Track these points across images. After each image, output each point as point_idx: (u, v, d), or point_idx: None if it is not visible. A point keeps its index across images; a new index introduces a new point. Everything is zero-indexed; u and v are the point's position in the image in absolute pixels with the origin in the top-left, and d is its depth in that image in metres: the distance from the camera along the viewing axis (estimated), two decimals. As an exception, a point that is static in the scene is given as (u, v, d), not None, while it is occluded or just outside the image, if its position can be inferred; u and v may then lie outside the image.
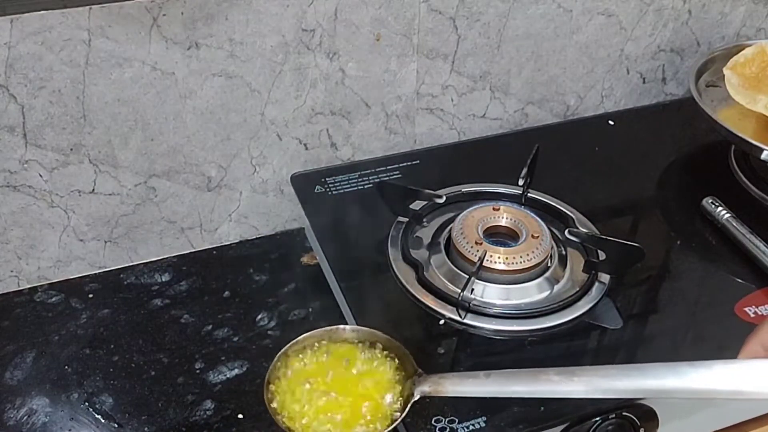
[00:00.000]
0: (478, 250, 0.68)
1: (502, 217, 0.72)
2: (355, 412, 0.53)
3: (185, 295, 0.79)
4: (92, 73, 0.70)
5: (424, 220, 0.76)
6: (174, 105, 0.75)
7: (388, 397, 0.54)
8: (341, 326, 0.59)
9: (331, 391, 0.54)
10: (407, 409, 0.53)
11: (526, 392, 0.51)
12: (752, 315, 0.67)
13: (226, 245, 0.86)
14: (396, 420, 0.53)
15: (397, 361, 0.57)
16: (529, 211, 0.73)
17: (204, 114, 0.76)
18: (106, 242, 0.81)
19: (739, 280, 0.71)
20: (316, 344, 0.58)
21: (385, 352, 0.58)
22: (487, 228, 0.72)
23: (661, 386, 0.45)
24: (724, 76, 0.82)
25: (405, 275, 0.70)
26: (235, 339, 0.74)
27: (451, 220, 0.75)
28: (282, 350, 0.57)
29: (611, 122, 0.94)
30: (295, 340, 0.58)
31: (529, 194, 0.78)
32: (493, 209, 0.73)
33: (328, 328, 0.59)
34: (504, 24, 0.85)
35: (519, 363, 0.63)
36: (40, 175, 0.74)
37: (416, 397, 0.54)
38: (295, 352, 0.58)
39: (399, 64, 0.82)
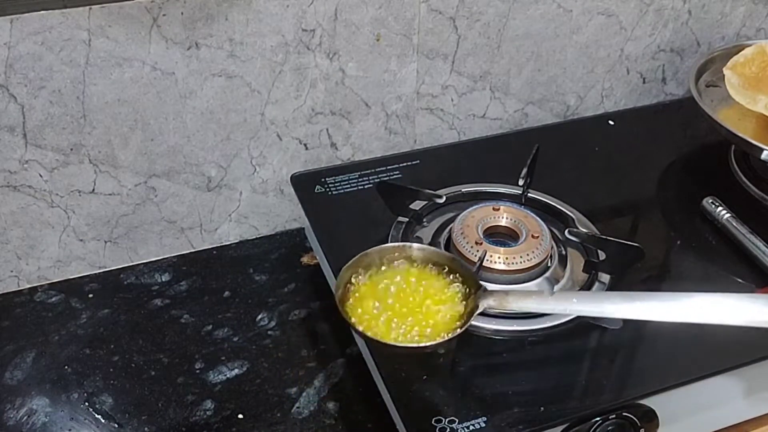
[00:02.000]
0: (478, 250, 0.68)
1: (502, 217, 0.72)
2: (422, 322, 0.56)
3: (185, 295, 0.79)
4: (92, 73, 0.70)
5: (424, 220, 0.76)
6: (174, 105, 0.75)
7: (453, 309, 0.57)
8: (408, 244, 0.61)
9: (397, 304, 0.57)
10: (471, 319, 0.56)
11: (584, 311, 0.56)
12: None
13: (226, 245, 0.86)
14: (460, 328, 0.55)
15: (460, 279, 0.59)
16: (529, 211, 0.73)
17: (204, 114, 0.76)
18: (106, 242, 0.81)
19: (739, 280, 0.71)
20: (384, 260, 0.60)
21: (446, 270, 0.60)
22: (487, 228, 0.71)
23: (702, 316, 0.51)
24: (724, 76, 0.82)
25: (405, 275, 0.70)
26: (235, 339, 0.74)
27: (451, 220, 0.75)
28: (348, 263, 0.59)
29: (611, 122, 0.94)
30: (364, 252, 0.60)
31: (529, 194, 0.78)
32: (493, 209, 0.73)
33: (396, 244, 0.61)
34: (504, 24, 0.85)
35: (519, 363, 0.64)
36: (40, 175, 0.74)
37: (480, 309, 0.56)
38: (365, 267, 0.59)
39: (399, 64, 0.82)
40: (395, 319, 0.56)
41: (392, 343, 0.54)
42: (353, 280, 0.59)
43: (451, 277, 0.60)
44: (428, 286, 0.59)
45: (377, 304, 0.57)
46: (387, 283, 0.59)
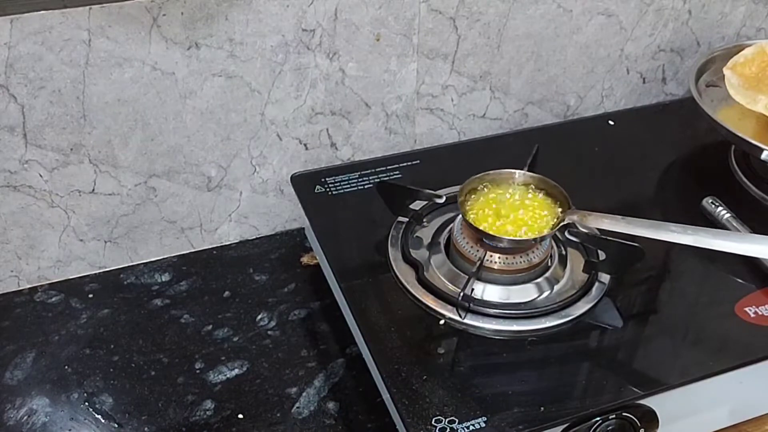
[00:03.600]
0: (478, 250, 0.68)
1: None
2: (521, 226, 0.68)
3: (185, 295, 0.79)
4: (92, 73, 0.70)
5: (424, 220, 0.76)
6: (174, 105, 0.75)
7: (549, 216, 0.70)
8: (511, 170, 0.73)
9: (501, 209, 0.70)
10: (558, 227, 0.68)
11: (648, 234, 0.64)
12: (752, 315, 0.67)
13: (226, 245, 0.86)
14: (550, 230, 0.68)
15: (557, 201, 0.71)
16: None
17: (204, 114, 0.76)
18: (106, 242, 0.81)
19: (739, 280, 0.71)
20: (498, 179, 0.73)
21: (543, 191, 0.72)
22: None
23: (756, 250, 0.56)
24: (724, 76, 0.82)
25: (405, 275, 0.70)
26: (235, 339, 0.74)
27: (451, 220, 0.75)
28: (473, 177, 0.72)
29: (611, 122, 0.94)
30: (485, 173, 0.73)
31: (529, 194, 0.78)
32: None
33: (501, 171, 0.73)
34: (504, 24, 0.85)
35: (519, 363, 0.64)
36: (40, 175, 0.74)
37: (566, 221, 0.68)
38: (469, 193, 0.72)
39: (399, 64, 0.82)
40: (500, 222, 0.69)
41: (499, 235, 0.67)
42: (477, 189, 0.72)
43: (549, 198, 0.72)
44: (531, 200, 0.72)
45: (488, 210, 0.70)
46: (499, 194, 0.72)
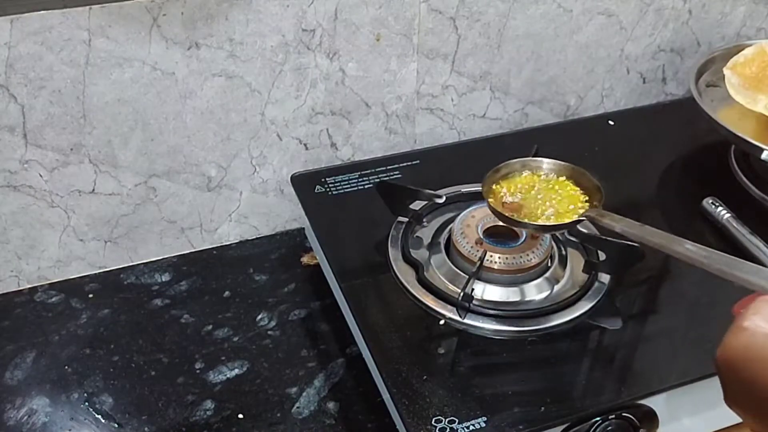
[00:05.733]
0: (478, 250, 0.68)
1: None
2: (545, 213, 0.68)
3: (185, 295, 0.79)
4: (92, 73, 0.70)
5: (424, 220, 0.76)
6: (174, 105, 0.75)
7: (573, 207, 0.68)
8: (540, 158, 0.72)
9: (527, 198, 0.70)
10: (573, 219, 0.66)
11: (658, 245, 0.61)
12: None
13: (226, 245, 0.86)
14: (566, 222, 0.66)
15: (585, 194, 0.69)
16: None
17: (204, 114, 0.76)
18: (106, 242, 0.81)
19: (739, 280, 0.71)
20: (517, 172, 0.72)
21: (571, 181, 0.70)
22: (487, 228, 0.71)
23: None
24: (724, 76, 0.82)
25: (405, 275, 0.70)
26: (235, 339, 0.74)
27: (451, 220, 0.75)
28: (488, 174, 0.71)
29: (611, 122, 0.94)
30: (504, 164, 0.72)
31: (529, 194, 0.78)
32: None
33: (533, 158, 0.72)
34: (504, 24, 0.85)
35: (519, 363, 0.64)
36: (40, 175, 0.74)
37: (582, 218, 0.66)
38: (501, 176, 0.71)
39: (399, 64, 0.82)
40: (526, 210, 0.68)
41: (524, 221, 0.66)
42: (501, 181, 0.71)
43: (576, 186, 0.70)
44: (557, 189, 0.70)
45: (515, 196, 0.70)
46: (524, 183, 0.71)
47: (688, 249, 0.59)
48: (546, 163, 0.72)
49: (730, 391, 0.48)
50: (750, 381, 0.45)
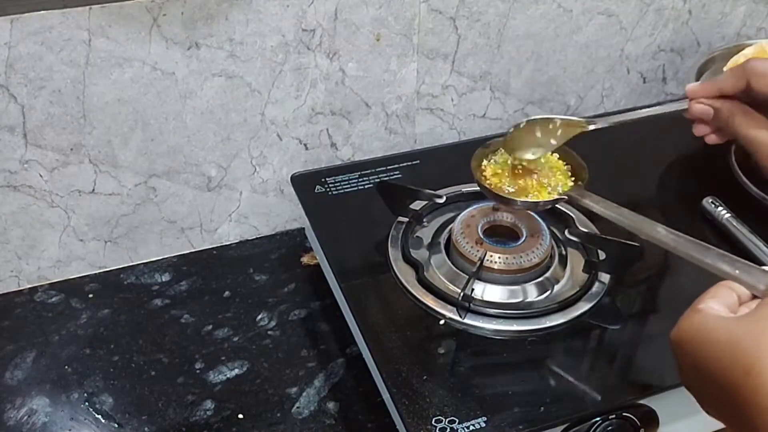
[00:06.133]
0: (478, 250, 0.68)
1: (502, 217, 0.72)
2: (526, 188, 0.68)
3: (185, 295, 0.79)
4: (92, 73, 0.70)
5: (424, 220, 0.76)
6: (174, 105, 0.75)
7: (552, 185, 0.68)
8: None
9: (508, 175, 0.69)
10: (556, 198, 0.67)
11: (633, 228, 0.61)
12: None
13: (226, 245, 0.86)
14: (547, 200, 0.67)
15: (570, 170, 0.70)
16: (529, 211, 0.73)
17: (204, 114, 0.76)
18: (106, 242, 0.81)
19: (739, 280, 0.71)
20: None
21: (561, 161, 0.70)
22: (488, 228, 0.71)
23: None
24: (724, 76, 0.82)
25: (405, 275, 0.70)
26: (235, 339, 0.74)
27: (451, 220, 0.75)
28: (477, 152, 0.71)
29: (611, 122, 0.94)
30: (494, 140, 0.72)
31: (529, 194, 0.78)
32: (493, 209, 0.73)
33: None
34: (504, 24, 0.85)
35: (519, 363, 0.64)
36: (40, 175, 0.74)
37: (565, 197, 0.67)
38: (491, 152, 0.71)
39: (399, 64, 0.82)
40: (512, 187, 0.68)
41: (509, 197, 0.67)
42: (485, 161, 0.71)
43: (564, 163, 0.71)
44: (544, 165, 0.70)
45: (504, 174, 0.69)
46: (511, 160, 0.70)
47: (659, 233, 0.60)
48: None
49: (684, 373, 0.49)
50: (699, 361, 0.46)
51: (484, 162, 0.70)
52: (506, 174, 0.69)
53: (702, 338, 0.46)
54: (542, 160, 0.70)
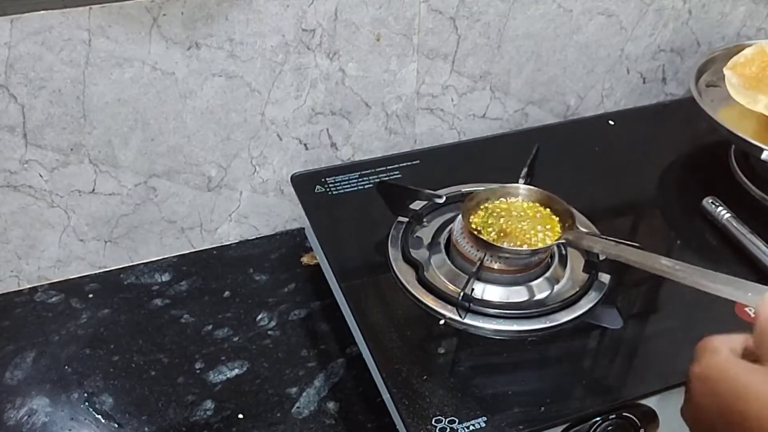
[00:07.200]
0: (478, 251, 0.68)
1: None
2: (517, 236, 0.69)
3: (185, 295, 0.79)
4: (92, 73, 0.70)
5: (424, 220, 0.76)
6: (174, 105, 0.75)
7: (542, 233, 0.69)
8: (515, 185, 0.74)
9: (505, 225, 0.70)
10: (551, 244, 0.68)
11: (638, 264, 0.63)
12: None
13: (226, 245, 0.86)
14: (542, 246, 0.68)
15: (557, 217, 0.71)
16: (529, 211, 0.73)
17: (204, 114, 0.76)
18: (106, 242, 0.81)
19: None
20: (490, 199, 0.73)
21: (547, 210, 0.72)
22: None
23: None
24: (724, 76, 0.82)
25: (405, 275, 0.70)
26: (235, 339, 0.74)
27: (451, 220, 0.75)
28: (463, 206, 0.71)
29: (611, 122, 0.94)
30: (476, 192, 0.73)
31: (529, 194, 0.78)
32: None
33: (503, 185, 0.74)
34: (504, 24, 0.85)
35: (519, 363, 0.64)
36: (41, 175, 0.74)
37: (562, 240, 0.69)
38: (475, 206, 0.72)
39: (399, 64, 0.82)
40: (503, 235, 0.69)
41: (501, 245, 0.67)
42: (483, 205, 0.72)
43: (549, 211, 0.72)
44: (532, 216, 0.72)
45: (492, 221, 0.71)
46: (501, 210, 0.72)
47: (664, 264, 0.61)
48: (513, 188, 0.74)
49: (696, 408, 0.49)
50: (723, 404, 0.46)
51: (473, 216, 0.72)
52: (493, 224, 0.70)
53: (732, 383, 0.46)
54: (528, 212, 0.72)
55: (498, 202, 0.73)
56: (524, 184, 0.75)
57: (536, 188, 0.73)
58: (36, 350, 0.73)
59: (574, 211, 0.72)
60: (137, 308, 0.78)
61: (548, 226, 0.70)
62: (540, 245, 0.68)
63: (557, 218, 0.71)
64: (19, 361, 0.72)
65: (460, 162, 0.86)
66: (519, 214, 0.71)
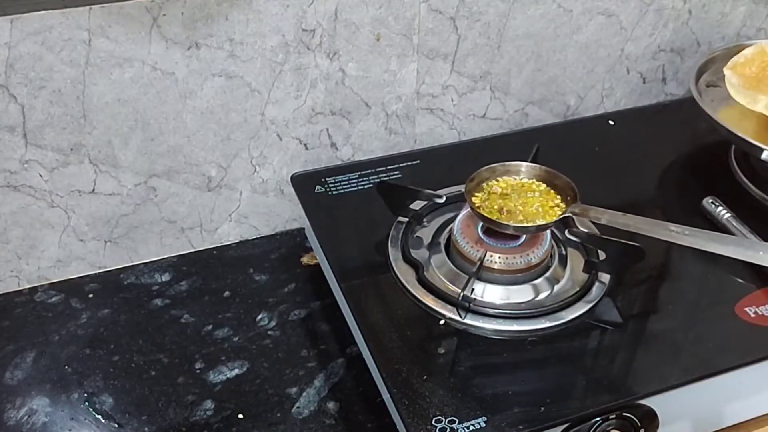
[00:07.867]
0: (478, 250, 0.68)
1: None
2: (521, 213, 0.69)
3: (185, 295, 0.79)
4: (92, 73, 0.70)
5: (424, 220, 0.76)
6: (174, 105, 0.75)
7: (551, 209, 0.70)
8: (519, 162, 0.74)
9: (509, 201, 0.71)
10: (557, 218, 0.69)
11: (646, 231, 0.64)
12: (752, 315, 0.67)
13: (226, 245, 0.86)
14: (549, 222, 0.69)
15: (564, 193, 0.71)
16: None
17: (204, 114, 0.76)
18: (106, 242, 0.81)
19: (739, 280, 0.71)
20: (490, 178, 0.73)
21: (546, 187, 0.72)
22: (487, 228, 0.71)
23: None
24: (724, 76, 0.82)
25: (405, 275, 0.70)
26: (235, 339, 0.74)
27: (451, 220, 0.75)
28: (466, 185, 0.71)
29: (611, 122, 0.94)
30: (477, 173, 0.73)
31: (529, 194, 0.78)
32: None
33: (503, 163, 0.74)
34: (504, 24, 0.85)
35: (519, 363, 0.64)
36: (41, 175, 0.74)
37: (568, 213, 0.69)
38: (476, 186, 0.72)
39: (399, 64, 0.82)
40: (506, 211, 0.70)
41: (504, 222, 0.68)
42: (485, 183, 0.73)
43: (556, 190, 0.72)
44: (535, 191, 0.72)
45: (495, 200, 0.71)
46: (503, 188, 0.72)
47: (672, 231, 0.61)
48: (514, 165, 0.74)
49: None
50: None
51: (481, 187, 0.73)
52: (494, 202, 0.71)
53: None
54: (533, 187, 0.73)
55: (500, 180, 0.74)
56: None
57: (537, 165, 0.74)
58: (36, 350, 0.73)
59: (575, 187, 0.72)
60: (137, 308, 0.78)
61: (554, 201, 0.71)
62: (546, 220, 0.68)
63: (560, 197, 0.72)
64: (19, 361, 0.72)
65: (460, 162, 0.86)
66: (521, 192, 0.72)
